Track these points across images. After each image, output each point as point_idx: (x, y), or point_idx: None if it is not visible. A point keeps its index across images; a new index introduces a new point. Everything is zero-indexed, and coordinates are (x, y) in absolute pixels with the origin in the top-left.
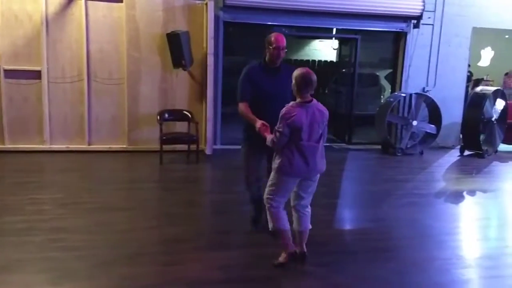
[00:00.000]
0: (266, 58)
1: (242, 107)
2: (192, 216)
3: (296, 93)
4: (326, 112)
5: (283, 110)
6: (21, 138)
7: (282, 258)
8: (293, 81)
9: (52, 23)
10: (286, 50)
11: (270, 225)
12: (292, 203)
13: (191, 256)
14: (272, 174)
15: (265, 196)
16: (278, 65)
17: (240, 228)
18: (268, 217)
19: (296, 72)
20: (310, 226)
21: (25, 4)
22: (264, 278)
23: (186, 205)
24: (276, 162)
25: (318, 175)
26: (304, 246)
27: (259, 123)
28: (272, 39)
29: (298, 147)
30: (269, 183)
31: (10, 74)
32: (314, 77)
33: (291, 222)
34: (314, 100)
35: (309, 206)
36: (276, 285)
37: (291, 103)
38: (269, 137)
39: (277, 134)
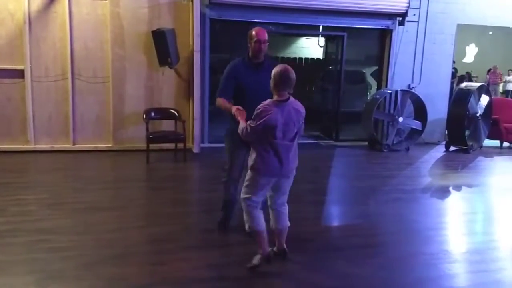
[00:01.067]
0: (249, 54)
1: (220, 101)
2: (180, 215)
3: (273, 90)
4: (303, 111)
5: (259, 107)
6: (4, 138)
7: (256, 260)
8: (272, 78)
9: (35, 21)
10: (267, 43)
11: (247, 226)
12: (269, 202)
13: (179, 255)
14: (248, 173)
15: (241, 196)
16: (262, 60)
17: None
18: (245, 217)
19: (275, 69)
20: (288, 224)
21: (7, 3)
22: (252, 275)
23: (174, 204)
24: (251, 159)
25: (294, 172)
26: (284, 244)
27: (234, 108)
28: (253, 33)
29: (273, 145)
30: (245, 182)
31: None
32: (293, 75)
33: (268, 221)
34: (291, 99)
35: (286, 204)
36: (262, 282)
37: (267, 100)
38: (242, 124)
39: (248, 128)
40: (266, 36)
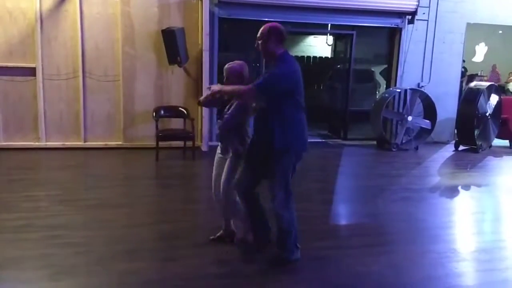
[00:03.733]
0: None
1: None
2: (190, 212)
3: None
4: None
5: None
6: (16, 135)
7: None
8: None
9: (46, 20)
10: (263, 39)
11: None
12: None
13: (189, 251)
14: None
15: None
16: (276, 58)
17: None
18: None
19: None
20: None
21: (19, 2)
22: (261, 272)
23: (183, 201)
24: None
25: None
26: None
27: None
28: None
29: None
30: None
31: (5, 71)
32: (246, 68)
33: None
34: None
35: None
36: (272, 279)
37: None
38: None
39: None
40: (260, 32)
